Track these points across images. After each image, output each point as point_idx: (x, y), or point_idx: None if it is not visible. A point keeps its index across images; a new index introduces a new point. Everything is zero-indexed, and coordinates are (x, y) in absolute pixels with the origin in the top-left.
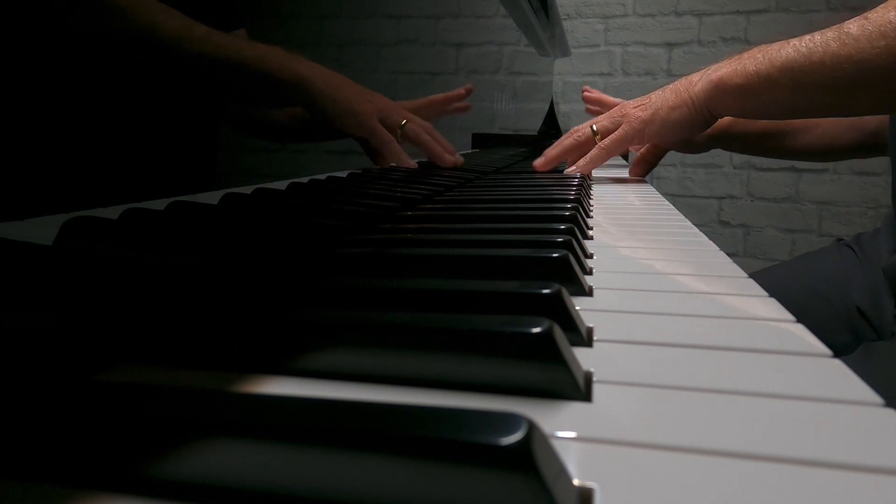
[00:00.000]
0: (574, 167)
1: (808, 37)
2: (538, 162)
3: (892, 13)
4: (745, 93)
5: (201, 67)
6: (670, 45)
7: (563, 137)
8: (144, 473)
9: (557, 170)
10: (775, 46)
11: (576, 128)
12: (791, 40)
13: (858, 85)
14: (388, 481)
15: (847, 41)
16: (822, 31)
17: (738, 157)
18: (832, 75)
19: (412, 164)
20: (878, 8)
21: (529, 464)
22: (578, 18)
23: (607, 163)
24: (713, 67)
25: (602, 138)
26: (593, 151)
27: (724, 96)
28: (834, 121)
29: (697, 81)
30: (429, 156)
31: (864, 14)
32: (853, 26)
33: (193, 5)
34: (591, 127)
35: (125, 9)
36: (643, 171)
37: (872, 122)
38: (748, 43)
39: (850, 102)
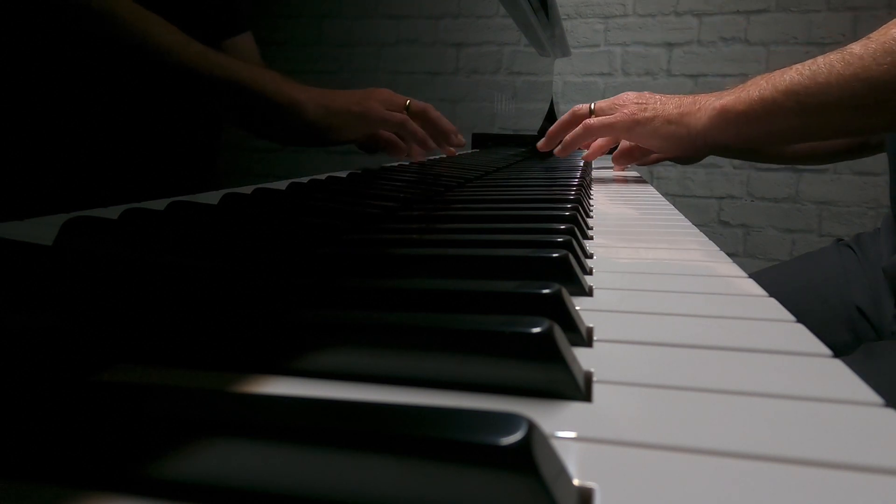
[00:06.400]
0: (560, 146)
1: (810, 61)
2: (540, 143)
3: (895, 30)
4: (749, 120)
5: (196, 83)
6: (670, 45)
7: (564, 118)
8: (144, 473)
9: (567, 161)
10: (778, 73)
11: (577, 106)
12: (794, 66)
13: (867, 103)
14: (389, 481)
15: (851, 61)
16: (825, 55)
17: None
18: (840, 95)
19: (433, 146)
20: (880, 28)
21: (529, 464)
22: (578, 18)
23: (607, 162)
24: (716, 95)
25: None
26: (577, 128)
27: (726, 125)
28: None
29: (701, 107)
30: (437, 135)
31: (868, 35)
32: (856, 47)
33: (200, 11)
34: (590, 105)
35: (119, 17)
36: (625, 162)
37: None
38: (748, 43)
39: (857, 121)
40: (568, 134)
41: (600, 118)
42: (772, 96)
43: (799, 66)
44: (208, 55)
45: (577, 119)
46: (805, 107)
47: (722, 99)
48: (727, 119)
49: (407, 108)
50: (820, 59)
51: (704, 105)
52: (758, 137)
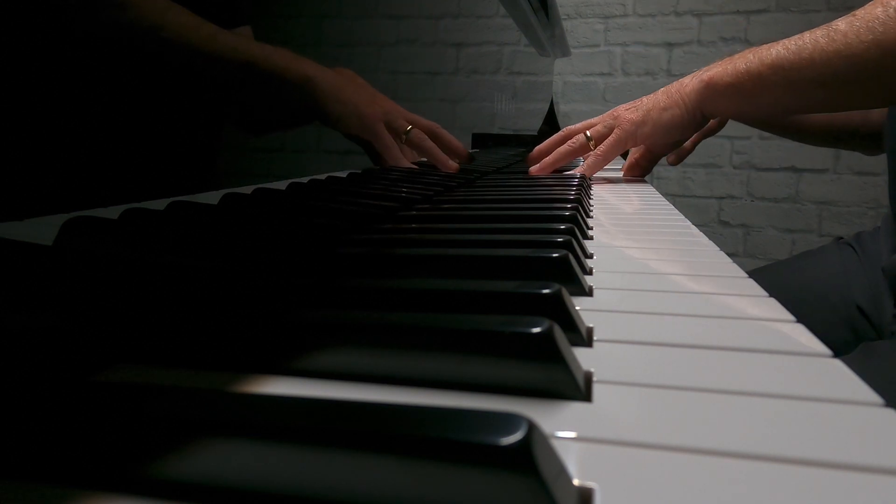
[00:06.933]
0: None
1: (797, 36)
2: (534, 169)
3: (879, 9)
4: (737, 92)
5: (208, 65)
6: (670, 45)
7: (555, 139)
8: (144, 473)
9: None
10: (766, 46)
11: (569, 128)
12: (782, 40)
13: (848, 80)
14: (389, 481)
15: (835, 37)
16: (812, 30)
17: (738, 157)
18: (822, 71)
19: (412, 166)
20: (866, 5)
21: (529, 464)
22: (578, 18)
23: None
24: (704, 69)
25: (597, 144)
26: (590, 160)
27: (715, 96)
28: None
29: (689, 83)
30: (432, 162)
31: (853, 12)
32: (841, 23)
33: (199, 3)
34: (585, 133)
35: (134, 5)
36: (636, 174)
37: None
38: (748, 43)
39: (840, 98)
40: (567, 160)
41: (606, 143)
42: (758, 69)
43: (786, 40)
44: (219, 36)
45: (576, 151)
46: (791, 81)
47: (710, 70)
48: (715, 90)
49: (406, 134)
50: (807, 35)
51: (691, 80)
52: (747, 110)
